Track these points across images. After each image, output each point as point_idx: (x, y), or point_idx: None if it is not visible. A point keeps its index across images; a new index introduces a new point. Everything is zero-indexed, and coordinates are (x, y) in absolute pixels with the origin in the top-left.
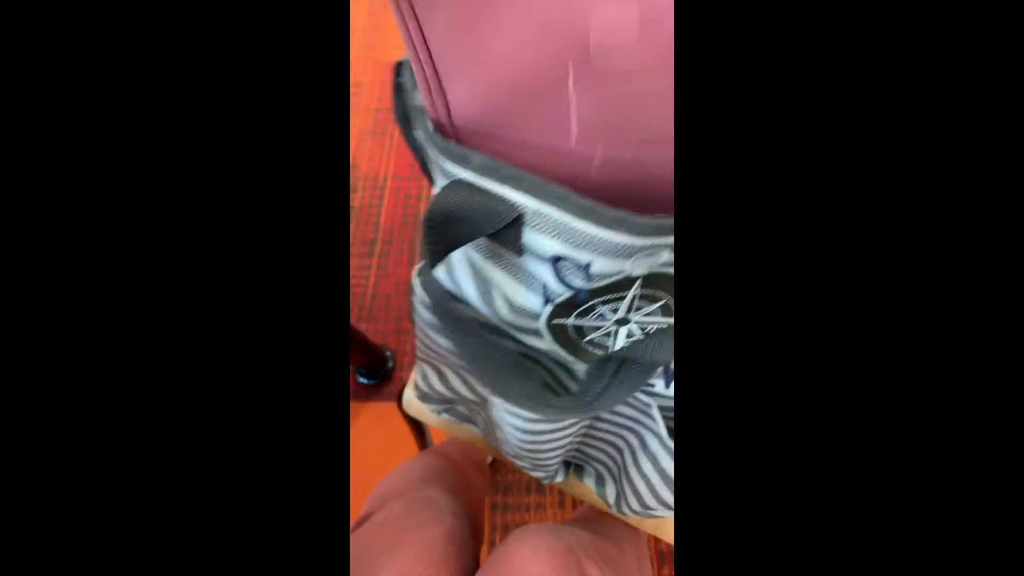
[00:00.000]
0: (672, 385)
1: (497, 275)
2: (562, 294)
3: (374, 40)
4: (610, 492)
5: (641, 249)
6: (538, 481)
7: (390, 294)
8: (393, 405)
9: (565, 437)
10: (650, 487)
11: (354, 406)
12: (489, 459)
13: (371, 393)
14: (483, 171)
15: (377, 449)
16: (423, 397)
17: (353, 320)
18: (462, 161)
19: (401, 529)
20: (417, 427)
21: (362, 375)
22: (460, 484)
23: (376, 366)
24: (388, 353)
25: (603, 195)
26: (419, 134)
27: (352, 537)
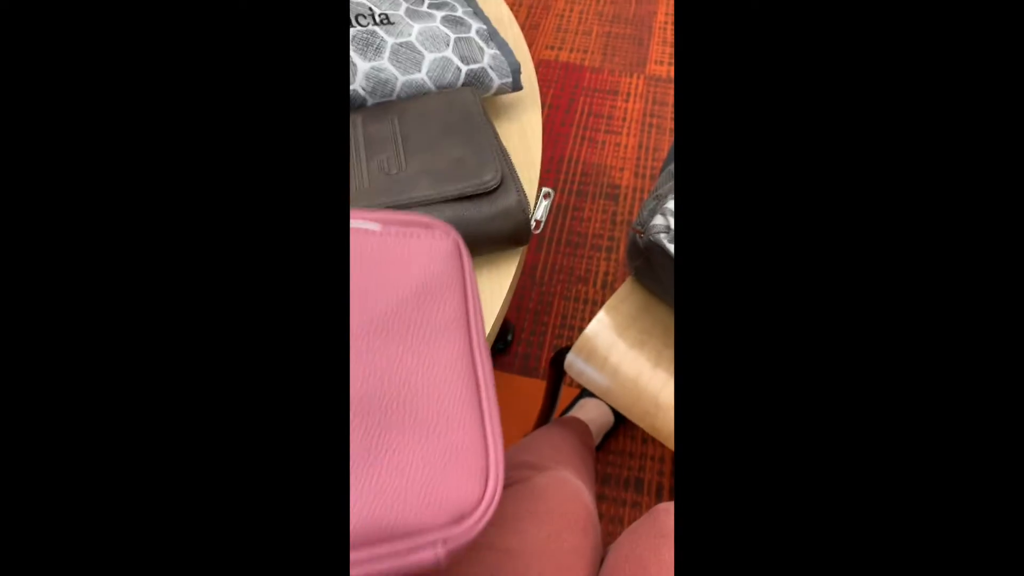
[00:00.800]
0: None
1: None
2: None
3: (531, 38)
4: None
5: None
6: (637, 479)
7: None
8: (506, 376)
9: None
10: None
11: None
12: (595, 443)
13: None
14: None
15: None
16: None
17: None
18: None
19: (547, 499)
20: (550, 397)
21: None
22: (582, 468)
23: (499, 336)
24: (510, 326)
25: None
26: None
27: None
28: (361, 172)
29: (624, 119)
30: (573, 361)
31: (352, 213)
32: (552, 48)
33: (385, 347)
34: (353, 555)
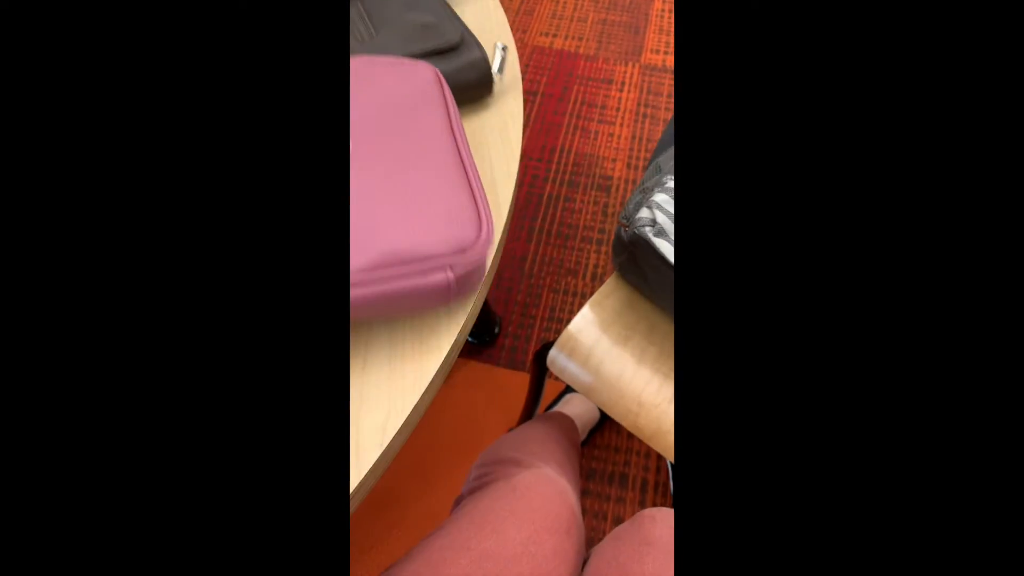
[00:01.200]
0: None
1: None
2: None
3: (525, 23)
4: None
5: None
6: (622, 474)
7: (504, 266)
8: (492, 369)
9: None
10: None
11: (457, 361)
12: (581, 438)
13: (473, 352)
14: None
15: (471, 404)
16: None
17: None
18: None
19: (529, 498)
20: (534, 392)
21: (470, 334)
22: (568, 465)
23: (485, 328)
24: (497, 319)
25: None
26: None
27: (476, 495)
28: None
29: (618, 109)
30: (556, 357)
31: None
32: (547, 35)
33: (392, 138)
34: (385, 272)
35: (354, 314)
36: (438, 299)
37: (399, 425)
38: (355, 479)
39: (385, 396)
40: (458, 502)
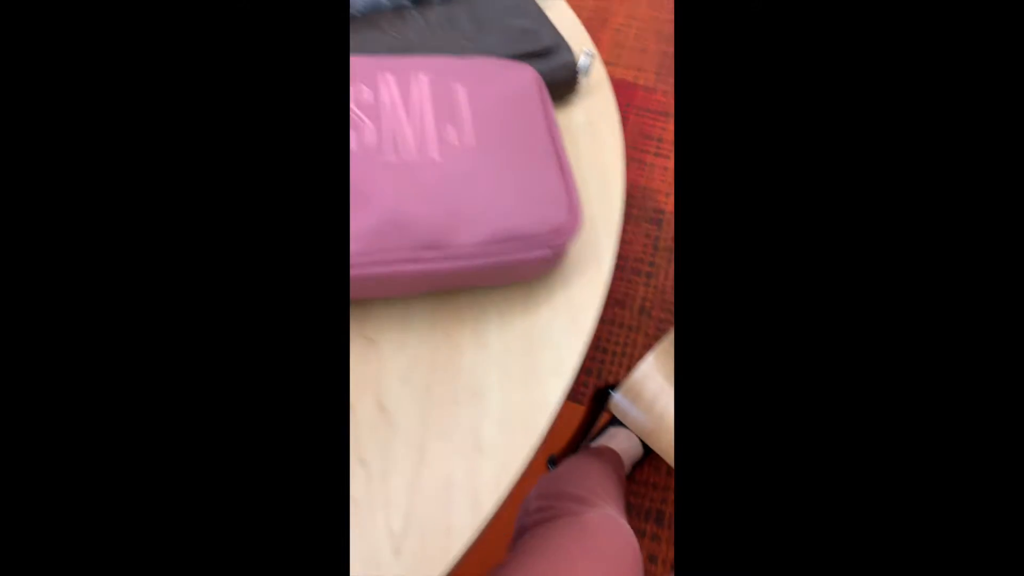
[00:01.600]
0: None
1: None
2: None
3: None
4: None
5: None
6: (659, 511)
7: None
8: None
9: None
10: None
11: None
12: (625, 473)
13: None
14: None
15: None
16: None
17: None
18: None
19: (597, 539)
20: (586, 426)
21: None
22: (623, 505)
23: None
24: None
25: None
26: None
27: (543, 529)
28: (446, 45)
29: (675, 143)
30: (619, 401)
31: (459, 58)
32: (607, 63)
33: (505, 130)
34: (499, 247)
35: (471, 280)
36: (536, 272)
37: (512, 478)
38: (475, 527)
39: (501, 452)
40: (520, 532)
